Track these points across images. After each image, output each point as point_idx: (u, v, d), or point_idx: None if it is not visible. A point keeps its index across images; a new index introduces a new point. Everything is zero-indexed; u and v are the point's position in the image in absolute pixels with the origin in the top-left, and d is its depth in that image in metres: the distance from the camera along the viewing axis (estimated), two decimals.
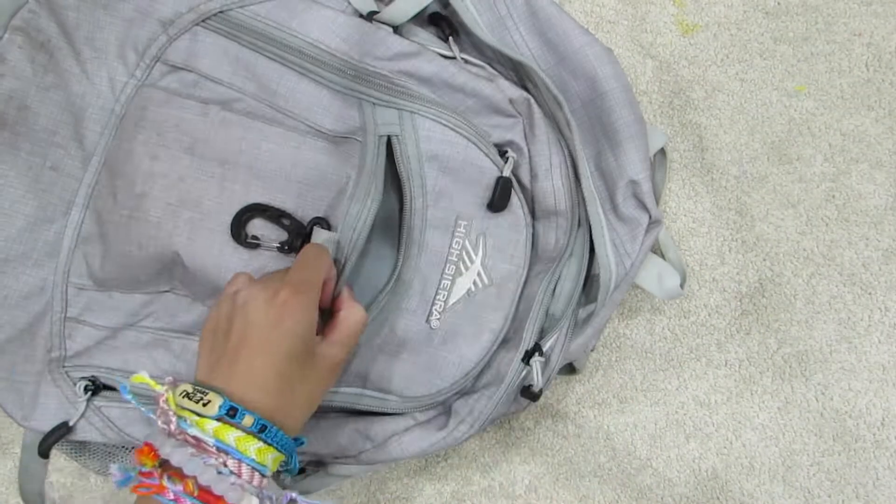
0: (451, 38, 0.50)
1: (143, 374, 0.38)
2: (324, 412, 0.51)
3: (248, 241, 0.48)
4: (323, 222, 0.48)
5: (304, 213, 0.48)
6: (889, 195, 0.56)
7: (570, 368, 0.55)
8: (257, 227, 0.48)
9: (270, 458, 0.37)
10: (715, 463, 0.57)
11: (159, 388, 0.38)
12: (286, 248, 0.48)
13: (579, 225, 0.51)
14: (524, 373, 0.49)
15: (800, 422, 0.56)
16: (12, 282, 0.50)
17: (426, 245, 0.49)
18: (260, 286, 0.40)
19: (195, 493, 0.35)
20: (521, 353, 0.48)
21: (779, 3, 0.58)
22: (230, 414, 0.36)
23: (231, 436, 0.36)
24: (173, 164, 0.48)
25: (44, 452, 0.49)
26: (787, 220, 0.57)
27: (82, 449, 0.52)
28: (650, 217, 0.49)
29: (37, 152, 0.50)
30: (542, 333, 0.50)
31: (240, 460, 0.36)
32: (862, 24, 0.57)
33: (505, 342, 0.50)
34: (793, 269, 0.57)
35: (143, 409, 0.39)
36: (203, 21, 0.49)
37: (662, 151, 0.55)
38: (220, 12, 0.48)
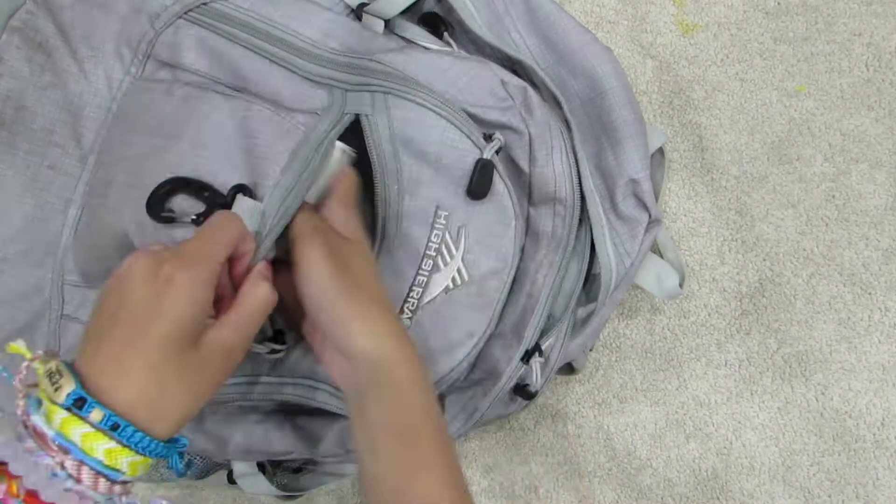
0: (445, 33, 0.50)
1: (18, 344, 0.33)
2: (308, 410, 0.50)
3: (162, 214, 0.43)
4: (246, 190, 0.42)
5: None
6: (889, 195, 0.56)
7: (569, 368, 0.55)
8: (179, 202, 0.43)
9: (125, 461, 0.31)
10: (715, 463, 0.57)
11: (28, 355, 0.32)
12: (202, 219, 0.42)
13: (580, 222, 0.50)
14: (521, 371, 0.48)
15: (800, 422, 0.56)
16: (11, 280, 0.50)
17: (402, 237, 0.45)
18: (149, 257, 0.34)
19: (20, 496, 0.29)
20: (521, 352, 0.48)
21: (779, 3, 0.58)
22: (77, 405, 0.30)
23: (77, 431, 0.30)
24: (139, 147, 0.47)
25: None
26: (787, 220, 0.57)
27: None
28: (650, 216, 0.49)
29: (35, 151, 0.50)
30: (542, 333, 0.50)
31: (81, 461, 0.30)
32: (862, 24, 0.57)
33: (503, 338, 0.50)
34: (793, 269, 0.57)
35: (14, 382, 0.33)
36: (186, 13, 0.48)
37: (661, 151, 0.55)
38: (204, 4, 0.48)
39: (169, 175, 0.43)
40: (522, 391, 0.49)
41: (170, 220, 0.42)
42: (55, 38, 0.50)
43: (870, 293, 0.56)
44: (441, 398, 0.49)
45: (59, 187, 0.51)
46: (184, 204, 0.43)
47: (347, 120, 0.44)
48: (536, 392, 0.49)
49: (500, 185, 0.45)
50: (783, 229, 0.57)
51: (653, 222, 0.49)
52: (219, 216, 0.38)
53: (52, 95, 0.50)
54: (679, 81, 0.58)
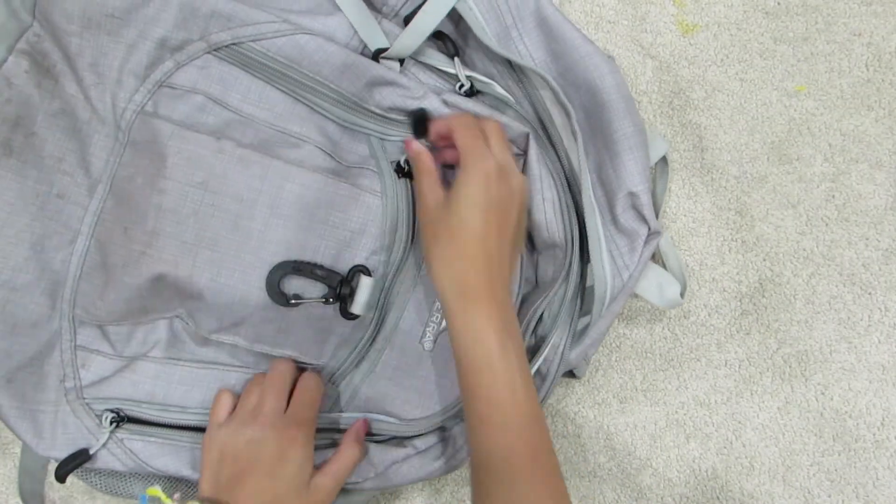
0: (455, 58, 0.50)
1: (156, 488, 0.45)
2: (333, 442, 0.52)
3: (292, 301, 0.49)
4: (364, 269, 0.49)
5: (335, 258, 0.49)
6: (889, 195, 0.56)
7: (570, 374, 0.55)
8: (292, 283, 0.49)
9: None
10: (715, 463, 0.57)
11: (168, 501, 0.44)
12: (331, 300, 0.49)
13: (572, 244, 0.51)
14: None
15: (800, 422, 0.56)
16: (20, 310, 0.50)
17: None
18: (268, 424, 0.46)
19: None
20: None
21: (779, 3, 0.58)
22: None
23: None
24: (183, 199, 0.48)
25: (61, 478, 0.49)
26: (787, 220, 0.57)
27: (95, 472, 0.52)
28: (649, 229, 0.49)
29: (44, 180, 0.49)
30: (534, 353, 0.50)
31: None
32: (862, 24, 0.57)
33: None
34: (793, 269, 0.57)
35: None
36: (215, 51, 0.49)
37: (664, 159, 0.55)
38: (233, 44, 0.48)
39: (263, 252, 0.48)
40: None
41: (299, 304, 0.49)
42: (62, 64, 0.49)
43: (870, 293, 0.56)
44: (447, 431, 0.52)
45: (68, 217, 0.50)
46: (299, 284, 0.49)
47: (393, 166, 0.50)
48: None
49: None
50: (783, 229, 0.57)
51: (652, 235, 0.49)
52: (309, 380, 0.49)
53: (61, 122, 0.49)
54: (679, 81, 0.58)
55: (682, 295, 0.51)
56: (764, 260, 0.57)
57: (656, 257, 0.55)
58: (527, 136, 0.49)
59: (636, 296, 0.53)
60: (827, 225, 0.57)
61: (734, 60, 0.58)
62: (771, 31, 0.58)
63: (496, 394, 0.42)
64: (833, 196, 0.57)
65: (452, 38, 0.51)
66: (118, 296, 0.49)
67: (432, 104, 0.49)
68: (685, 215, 0.58)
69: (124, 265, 0.49)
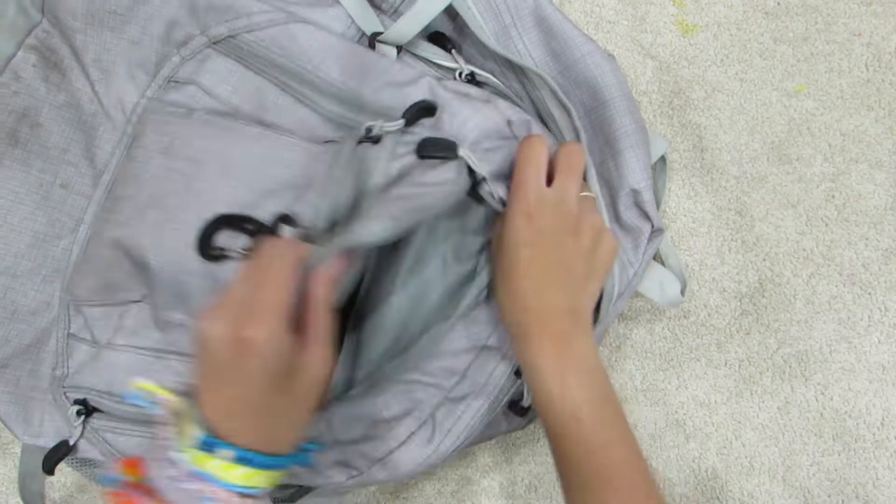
0: (453, 51, 0.50)
1: (148, 382, 0.36)
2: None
3: (213, 254, 0.45)
4: (288, 219, 0.45)
5: (276, 213, 0.46)
6: (889, 195, 0.56)
7: None
8: (224, 238, 0.46)
9: (261, 478, 0.36)
10: (715, 463, 0.57)
11: (165, 394, 0.35)
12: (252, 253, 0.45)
13: None
14: (513, 386, 0.47)
15: (800, 422, 0.56)
16: (20, 297, 0.50)
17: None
18: (222, 323, 0.35)
19: None
20: (514, 366, 0.47)
21: (779, 3, 0.58)
22: (206, 447, 0.34)
23: (211, 464, 0.34)
24: (146, 163, 0.48)
25: (49, 469, 0.50)
26: (787, 220, 0.57)
27: (85, 462, 0.52)
28: (652, 226, 0.49)
29: (48, 170, 0.51)
30: None
31: (222, 488, 0.34)
32: (862, 24, 0.57)
33: (498, 351, 0.49)
34: (793, 269, 0.57)
35: (157, 410, 0.36)
36: (214, 44, 0.49)
37: (663, 158, 0.55)
38: (230, 37, 0.48)
39: (200, 203, 0.45)
40: (517, 408, 0.48)
41: (222, 258, 0.45)
42: (70, 59, 0.50)
43: (870, 293, 0.56)
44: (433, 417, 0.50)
45: (71, 206, 0.51)
46: (229, 239, 0.45)
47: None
48: (529, 407, 0.48)
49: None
50: (783, 229, 0.57)
51: (655, 232, 0.49)
52: (269, 248, 0.38)
53: (66, 115, 0.51)
54: (679, 81, 0.58)
55: (682, 293, 0.51)
56: (764, 260, 0.57)
57: (656, 256, 0.55)
58: (528, 122, 0.48)
59: (638, 294, 0.53)
60: (827, 225, 0.57)
61: (734, 60, 0.58)
62: (771, 31, 0.58)
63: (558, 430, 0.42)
64: (833, 196, 0.57)
65: (451, 36, 0.51)
66: (88, 267, 0.49)
67: (425, 91, 0.47)
68: (685, 215, 0.58)
69: (97, 234, 0.49)
